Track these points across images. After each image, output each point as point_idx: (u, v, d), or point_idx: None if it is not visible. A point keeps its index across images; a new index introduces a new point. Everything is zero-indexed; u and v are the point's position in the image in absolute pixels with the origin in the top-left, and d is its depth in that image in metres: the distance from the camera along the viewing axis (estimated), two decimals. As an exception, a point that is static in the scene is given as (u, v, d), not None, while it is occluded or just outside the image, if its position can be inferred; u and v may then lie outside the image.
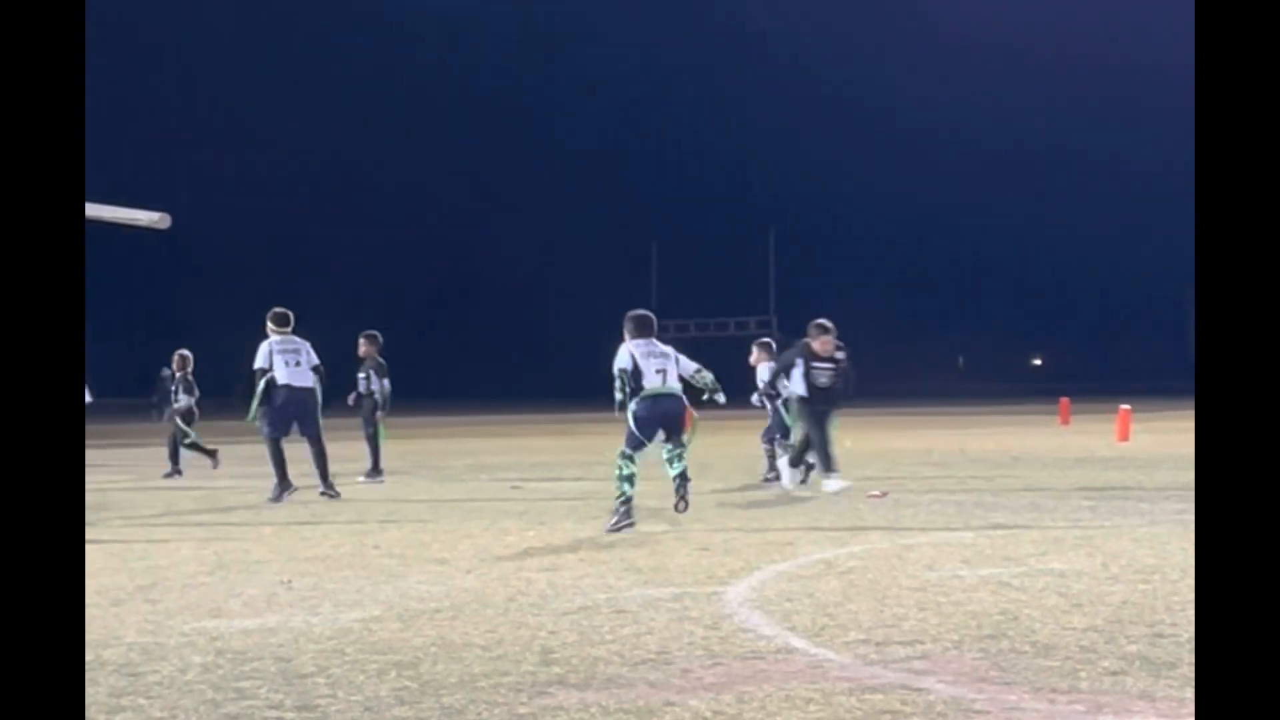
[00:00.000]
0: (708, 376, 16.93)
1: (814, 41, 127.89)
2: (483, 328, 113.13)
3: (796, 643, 9.28)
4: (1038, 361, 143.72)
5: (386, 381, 24.96)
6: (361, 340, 25.27)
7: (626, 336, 16.66)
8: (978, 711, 7.40)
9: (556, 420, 63.19)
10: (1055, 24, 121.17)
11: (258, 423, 21.07)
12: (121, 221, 39.11)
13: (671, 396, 16.46)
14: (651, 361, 16.37)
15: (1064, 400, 51.20)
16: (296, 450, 21.45)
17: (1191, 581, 11.42)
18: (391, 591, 11.78)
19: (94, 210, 41.22)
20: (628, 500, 16.06)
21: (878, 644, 9.18)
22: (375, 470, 24.62)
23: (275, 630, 10.01)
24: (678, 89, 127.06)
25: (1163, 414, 51.59)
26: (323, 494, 20.90)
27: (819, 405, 20.62)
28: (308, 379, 21.21)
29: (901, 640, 9.28)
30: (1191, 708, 7.44)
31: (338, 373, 27.29)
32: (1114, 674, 8.21)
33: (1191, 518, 16.17)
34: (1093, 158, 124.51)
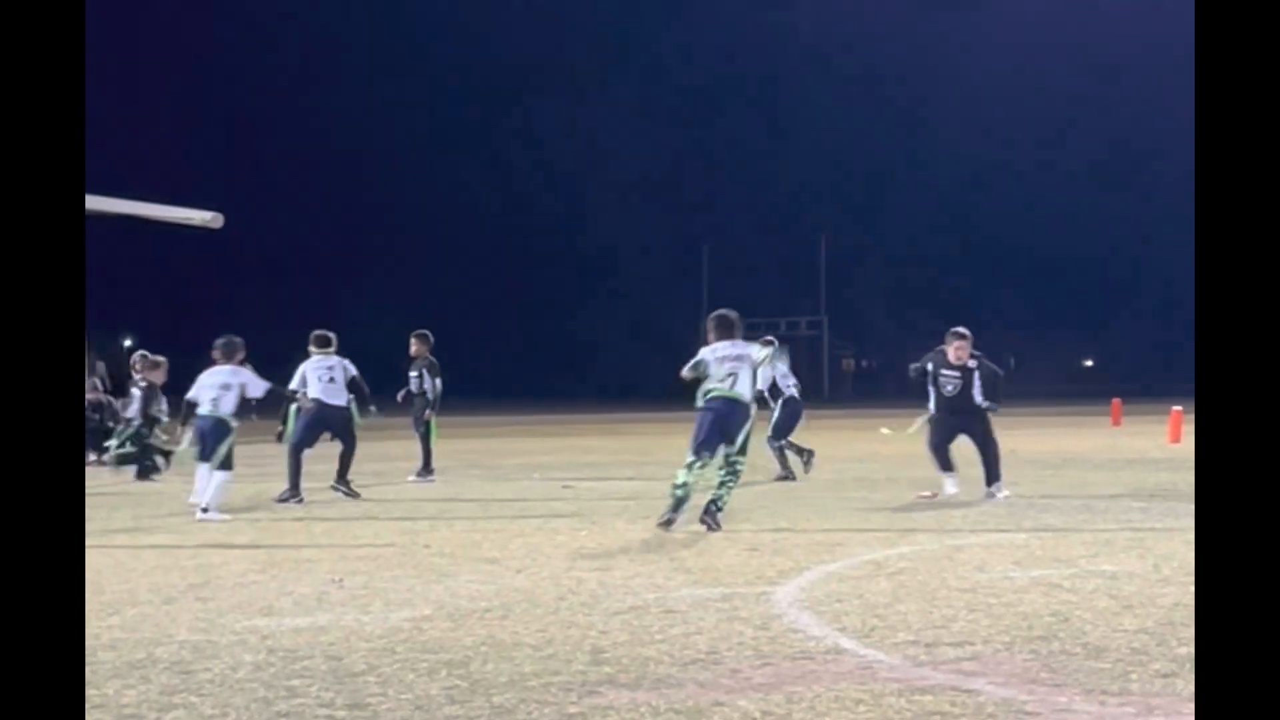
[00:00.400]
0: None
1: (865, 46, 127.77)
2: (535, 328, 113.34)
3: (846, 643, 9.27)
4: (1089, 363, 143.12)
5: (438, 380, 25.02)
6: (413, 339, 25.35)
7: (710, 339, 16.78)
8: (1028, 713, 7.39)
9: (608, 420, 63.18)
10: (1108, 18, 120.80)
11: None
12: (176, 221, 39.35)
13: (731, 400, 16.39)
14: (725, 365, 16.39)
15: (1116, 401, 51.02)
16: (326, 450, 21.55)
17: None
18: (442, 590, 11.80)
19: (149, 210, 41.61)
20: (680, 501, 16.04)
21: (927, 645, 9.17)
22: (426, 469, 24.68)
23: (326, 629, 10.05)
24: (720, 92, 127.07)
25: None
26: (333, 488, 21.35)
27: (943, 413, 20.00)
28: (341, 397, 21.53)
29: (951, 641, 9.27)
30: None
31: (389, 372, 27.36)
32: (1165, 676, 8.19)
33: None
34: (1148, 157, 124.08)
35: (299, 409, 21.42)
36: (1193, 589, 11.13)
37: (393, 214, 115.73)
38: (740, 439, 16.28)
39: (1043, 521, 16.56)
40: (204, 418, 18.97)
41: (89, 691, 8.09)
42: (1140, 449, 23.72)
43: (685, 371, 16.37)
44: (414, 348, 25.32)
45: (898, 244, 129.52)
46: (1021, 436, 35.58)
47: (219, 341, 19.54)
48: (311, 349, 21.89)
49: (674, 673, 8.49)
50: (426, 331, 25.46)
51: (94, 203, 38.88)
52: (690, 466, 16.01)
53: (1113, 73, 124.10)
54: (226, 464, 18.62)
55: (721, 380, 16.28)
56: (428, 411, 24.87)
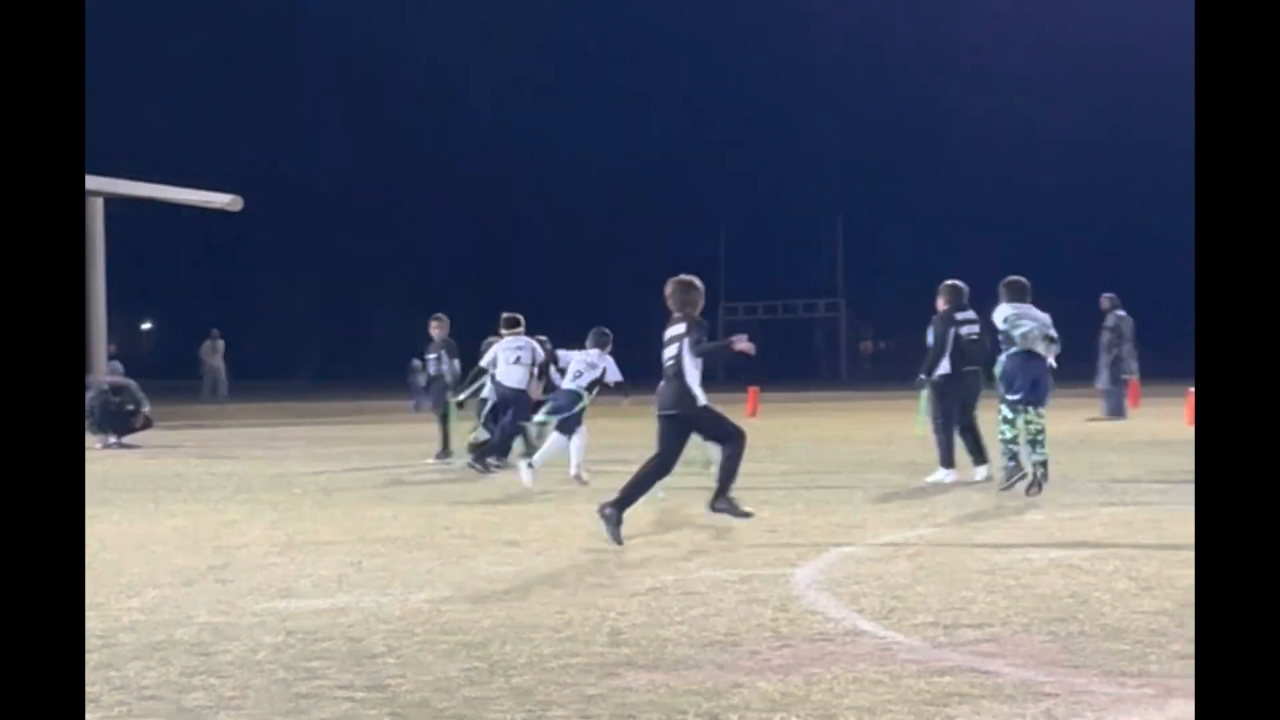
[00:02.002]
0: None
1: (879, 28, 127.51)
2: (553, 309, 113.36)
3: (865, 625, 9.28)
4: (1130, 343, 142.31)
5: (456, 362, 25.03)
6: (432, 322, 25.40)
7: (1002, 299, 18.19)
8: (1047, 694, 7.39)
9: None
10: (1120, 15, 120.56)
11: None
12: (196, 204, 39.42)
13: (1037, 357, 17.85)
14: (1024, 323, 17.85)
15: (1133, 382, 50.85)
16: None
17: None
18: (461, 572, 11.83)
19: (171, 193, 41.62)
20: (1014, 456, 17.41)
21: (946, 627, 9.18)
22: (445, 451, 24.69)
23: (345, 610, 10.07)
24: (746, 73, 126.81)
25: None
26: (471, 466, 22.28)
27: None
28: (515, 377, 22.57)
29: (970, 623, 9.28)
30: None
31: (404, 355, 27.37)
32: (1184, 658, 8.19)
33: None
34: (1158, 139, 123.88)
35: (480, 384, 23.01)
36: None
37: (399, 186, 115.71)
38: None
39: (1061, 502, 16.55)
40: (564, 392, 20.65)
41: (109, 673, 8.13)
42: (1158, 431, 23.68)
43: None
44: (433, 330, 25.35)
45: (916, 224, 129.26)
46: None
47: (592, 332, 21.08)
48: (502, 330, 23.11)
49: (692, 654, 8.50)
50: (443, 315, 25.50)
51: (114, 186, 38.87)
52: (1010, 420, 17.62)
53: (1110, 61, 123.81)
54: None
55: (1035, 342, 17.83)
56: (447, 394, 24.89)
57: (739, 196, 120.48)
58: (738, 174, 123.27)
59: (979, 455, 19.52)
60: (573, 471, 19.93)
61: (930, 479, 19.28)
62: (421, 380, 25.60)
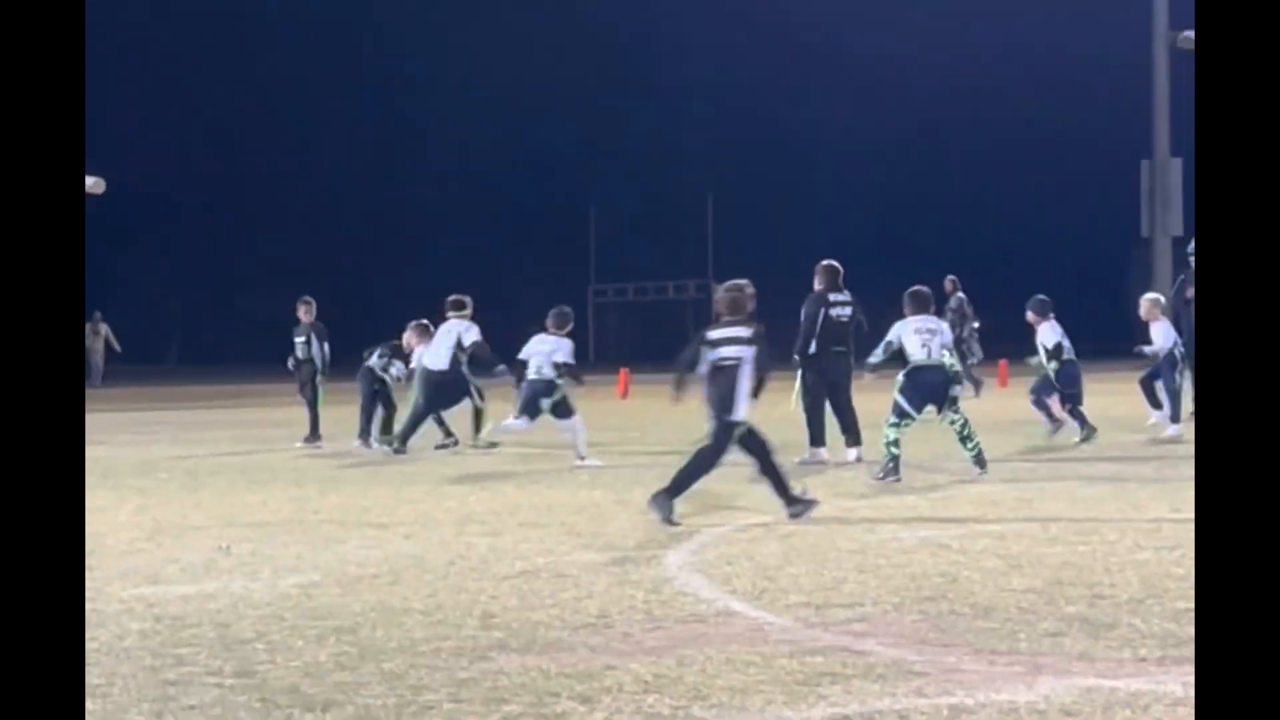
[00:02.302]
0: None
1: (750, 8, 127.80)
2: (419, 294, 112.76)
3: (737, 606, 9.29)
4: (976, 324, 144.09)
5: (326, 345, 24.88)
6: (300, 306, 25.19)
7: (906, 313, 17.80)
8: (917, 673, 7.43)
9: (495, 385, 62.92)
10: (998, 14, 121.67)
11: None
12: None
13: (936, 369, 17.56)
14: (919, 337, 17.50)
15: (1002, 362, 51.29)
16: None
17: (1129, 543, 11.50)
18: (331, 557, 11.75)
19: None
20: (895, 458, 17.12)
21: (818, 607, 9.21)
22: (314, 435, 24.54)
23: (214, 596, 9.98)
24: (608, 53, 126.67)
25: (1100, 376, 51.78)
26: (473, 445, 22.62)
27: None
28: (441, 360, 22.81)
29: (841, 603, 9.31)
30: (1130, 667, 7.49)
31: (279, 339, 27.16)
32: (1053, 635, 8.25)
33: (1129, 479, 16.26)
34: (1029, 127, 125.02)
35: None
36: (1080, 548, 11.24)
37: (272, 173, 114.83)
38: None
39: (931, 482, 16.66)
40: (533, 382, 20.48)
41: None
42: (1028, 409, 23.86)
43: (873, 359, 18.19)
44: (301, 313, 25.16)
45: (789, 205, 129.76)
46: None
47: (553, 312, 20.99)
48: (449, 314, 23.22)
49: (565, 637, 8.48)
50: (311, 298, 25.31)
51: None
52: (897, 425, 17.30)
53: (968, 47, 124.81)
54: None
55: (918, 352, 17.60)
56: (318, 378, 24.72)
57: (608, 177, 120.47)
58: (607, 154, 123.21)
59: (852, 436, 19.62)
60: (580, 458, 19.92)
61: (800, 459, 19.33)
62: (289, 363, 25.35)
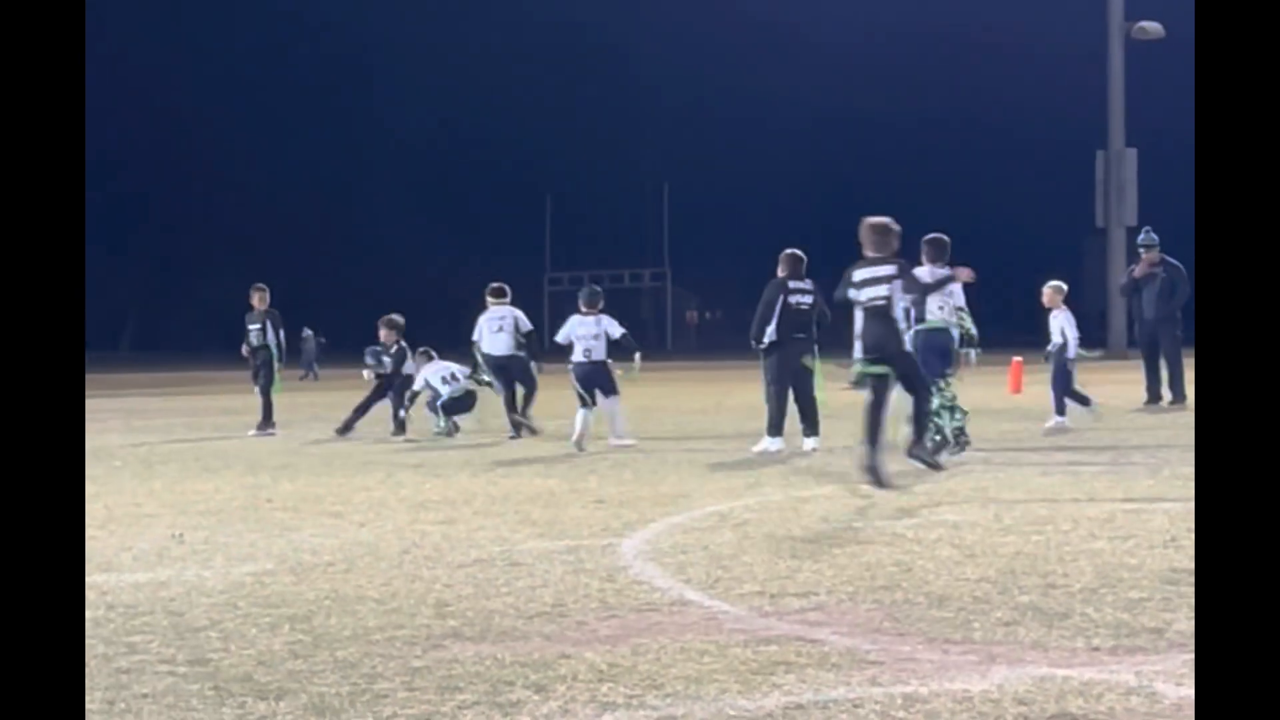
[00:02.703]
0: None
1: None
2: (374, 282, 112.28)
3: (691, 595, 9.29)
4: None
5: (281, 332, 24.84)
6: (253, 293, 25.13)
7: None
8: (872, 662, 7.43)
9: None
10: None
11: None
12: None
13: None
14: (939, 297, 18.16)
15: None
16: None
17: (1082, 532, 11.52)
18: (285, 545, 11.72)
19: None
20: (939, 430, 17.54)
21: (772, 596, 9.21)
22: (267, 422, 24.49)
23: (167, 584, 9.94)
24: (564, 41, 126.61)
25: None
26: (516, 421, 22.77)
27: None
28: (508, 347, 23.21)
29: (796, 592, 9.31)
30: (1084, 656, 7.51)
31: (234, 325, 27.07)
32: (1007, 624, 8.27)
33: (1084, 468, 16.30)
34: (985, 116, 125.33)
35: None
36: (1034, 538, 11.27)
37: (232, 166, 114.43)
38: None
39: (886, 472, 16.67)
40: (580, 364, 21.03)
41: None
42: (982, 399, 23.91)
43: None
44: (254, 300, 25.11)
45: (742, 193, 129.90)
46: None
47: (584, 292, 21.58)
48: (488, 299, 23.41)
49: (519, 625, 8.46)
50: (264, 286, 25.24)
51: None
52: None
53: (925, 46, 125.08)
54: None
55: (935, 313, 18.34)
56: (272, 365, 24.68)
57: (564, 165, 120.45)
58: (563, 143, 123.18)
59: (810, 426, 19.58)
60: (617, 439, 20.60)
61: (756, 448, 19.35)
62: (244, 350, 25.30)
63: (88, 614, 8.88)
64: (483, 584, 9.76)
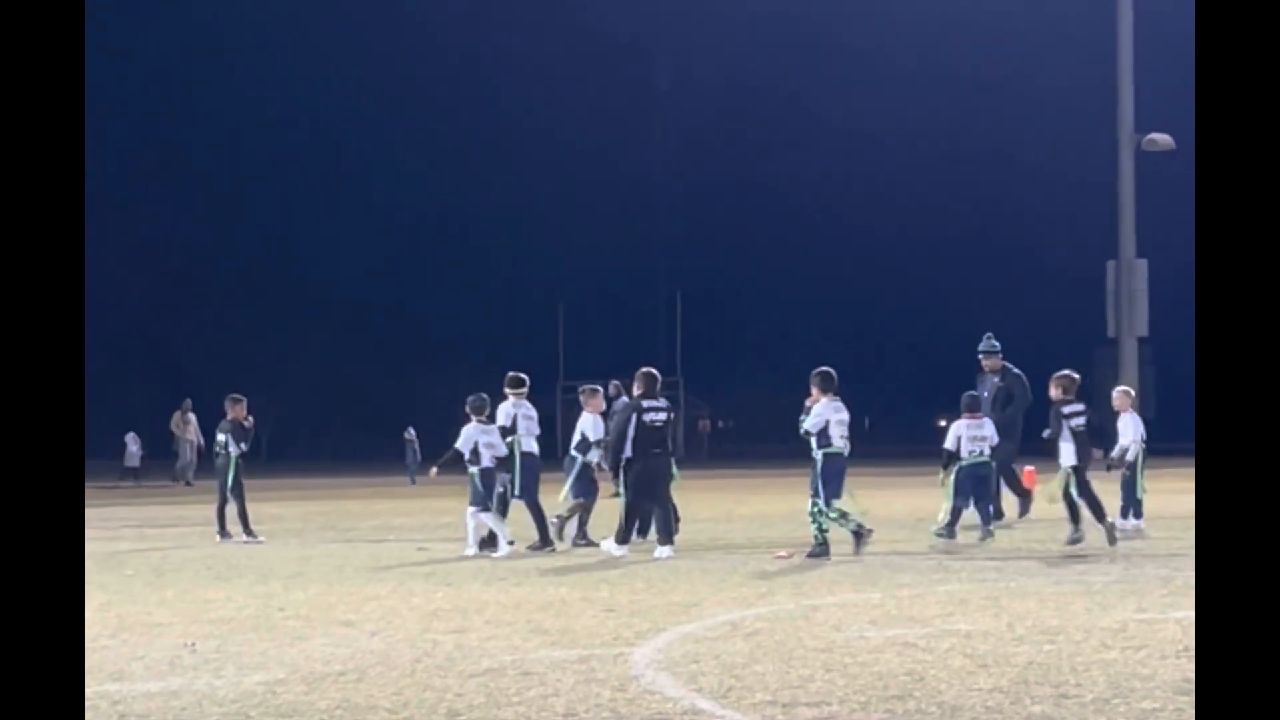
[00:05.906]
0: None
1: (718, 107, 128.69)
2: (385, 391, 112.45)
3: (703, 704, 9.27)
4: (943, 423, 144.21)
5: (244, 445, 24.66)
6: (226, 402, 25.00)
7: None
8: (884, 773, 7.42)
9: (460, 482, 62.81)
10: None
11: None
12: None
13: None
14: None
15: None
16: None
17: (1095, 643, 11.49)
18: (296, 654, 11.70)
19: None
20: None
21: (784, 705, 9.19)
22: (244, 530, 24.24)
23: (179, 693, 9.93)
24: (581, 146, 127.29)
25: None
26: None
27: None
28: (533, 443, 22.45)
29: (808, 701, 9.29)
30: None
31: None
32: (1019, 735, 8.25)
33: (1096, 577, 16.27)
34: (993, 232, 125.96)
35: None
36: (1046, 647, 11.24)
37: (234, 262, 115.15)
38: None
39: (898, 581, 16.64)
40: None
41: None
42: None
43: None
44: (227, 409, 24.97)
45: (754, 302, 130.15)
46: (877, 496, 35.84)
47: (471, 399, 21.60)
48: (508, 390, 22.62)
49: (531, 735, 8.45)
50: (240, 396, 25.09)
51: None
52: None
53: (944, 152, 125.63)
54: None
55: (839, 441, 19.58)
56: (230, 472, 24.44)
57: (576, 273, 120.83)
58: (574, 250, 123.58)
59: (664, 535, 20.34)
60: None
61: (603, 545, 20.40)
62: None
63: (99, 723, 8.88)
64: (494, 693, 9.75)
